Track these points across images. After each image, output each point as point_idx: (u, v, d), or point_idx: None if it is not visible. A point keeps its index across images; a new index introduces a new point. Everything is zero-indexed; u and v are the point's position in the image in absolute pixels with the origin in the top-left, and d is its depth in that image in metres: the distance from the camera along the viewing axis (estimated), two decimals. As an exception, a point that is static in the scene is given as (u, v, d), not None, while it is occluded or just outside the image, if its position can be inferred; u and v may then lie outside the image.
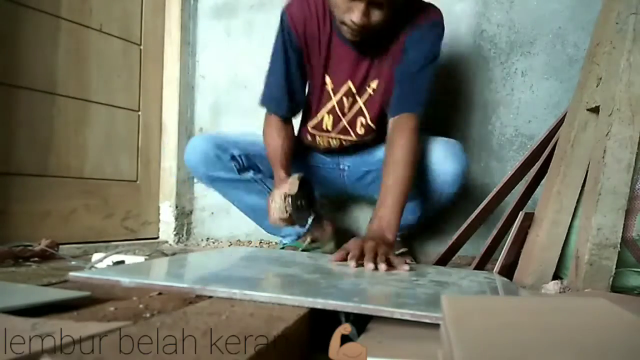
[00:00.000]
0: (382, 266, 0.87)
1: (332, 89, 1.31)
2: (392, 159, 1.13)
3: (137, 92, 1.77)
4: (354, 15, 1.09)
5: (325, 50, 1.28)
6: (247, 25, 1.88)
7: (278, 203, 1.18)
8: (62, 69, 1.49)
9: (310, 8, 1.25)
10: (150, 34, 1.81)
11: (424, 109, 1.22)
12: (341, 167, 1.48)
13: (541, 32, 1.55)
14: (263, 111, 1.36)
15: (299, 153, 1.43)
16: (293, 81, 1.31)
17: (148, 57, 1.80)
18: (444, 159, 1.24)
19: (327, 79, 1.31)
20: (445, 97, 1.61)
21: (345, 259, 0.95)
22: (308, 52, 1.29)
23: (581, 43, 1.48)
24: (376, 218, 1.07)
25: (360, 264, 0.89)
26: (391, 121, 1.22)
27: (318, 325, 0.58)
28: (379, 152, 1.40)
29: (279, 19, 1.29)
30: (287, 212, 1.17)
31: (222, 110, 1.92)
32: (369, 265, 0.87)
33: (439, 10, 1.23)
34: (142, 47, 1.78)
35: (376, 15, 1.10)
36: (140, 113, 1.78)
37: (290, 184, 1.17)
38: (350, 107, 1.33)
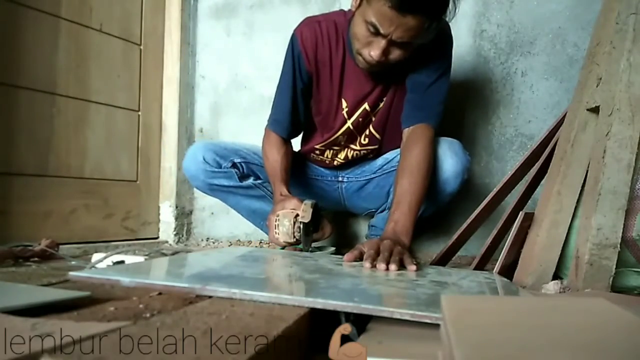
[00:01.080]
0: (393, 266, 0.86)
1: (348, 112, 1.31)
2: (407, 165, 1.12)
3: (137, 92, 1.77)
4: (373, 51, 1.07)
5: (338, 74, 1.27)
6: (247, 25, 1.88)
7: (286, 227, 1.16)
8: (62, 69, 1.49)
9: (322, 31, 1.24)
10: (150, 34, 1.81)
11: (439, 122, 1.22)
12: (340, 178, 1.48)
13: (541, 32, 1.55)
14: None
15: (297, 164, 1.44)
16: (298, 107, 1.32)
17: (148, 57, 1.80)
18: (444, 158, 1.24)
19: (344, 103, 1.30)
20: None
21: (358, 259, 0.94)
22: (318, 76, 1.28)
23: (581, 43, 1.48)
24: (391, 222, 1.05)
25: (375, 265, 0.88)
26: (406, 131, 1.21)
27: (318, 325, 0.58)
28: (379, 161, 1.40)
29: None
30: (294, 237, 1.16)
31: (222, 110, 1.92)
32: (381, 265, 0.86)
33: (446, 22, 1.22)
34: (142, 47, 1.78)
35: (395, 54, 1.09)
36: (140, 113, 1.78)
37: (303, 211, 1.14)
38: (364, 123, 1.33)
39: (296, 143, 1.46)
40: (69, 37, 1.51)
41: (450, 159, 1.23)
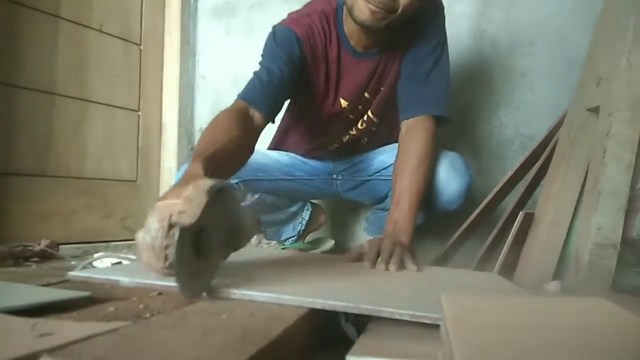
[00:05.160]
0: (393, 267, 0.86)
1: (349, 107, 1.24)
2: (407, 162, 1.07)
3: (137, 92, 1.76)
4: None
5: (335, 70, 1.18)
6: (247, 25, 1.88)
7: (152, 235, 0.57)
8: (62, 69, 1.49)
9: (315, 24, 1.15)
10: (150, 34, 1.81)
11: (446, 107, 1.14)
12: (334, 176, 1.43)
13: (541, 32, 1.54)
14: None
15: (287, 164, 1.38)
16: (286, 80, 1.09)
17: (148, 57, 1.80)
18: (447, 179, 1.15)
19: (343, 102, 1.23)
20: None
21: (358, 259, 0.94)
22: (310, 73, 1.17)
23: (581, 43, 1.48)
24: (391, 221, 1.02)
25: (375, 265, 0.88)
26: (404, 123, 1.14)
27: (318, 325, 0.58)
28: (375, 162, 1.36)
29: (280, 20, 1.24)
30: (165, 260, 0.56)
31: (222, 110, 1.92)
32: (381, 266, 0.86)
33: None
34: (142, 47, 1.78)
35: None
36: (140, 113, 1.78)
37: (186, 200, 0.56)
38: (363, 110, 1.27)
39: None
40: (69, 37, 1.51)
41: (455, 181, 1.15)
